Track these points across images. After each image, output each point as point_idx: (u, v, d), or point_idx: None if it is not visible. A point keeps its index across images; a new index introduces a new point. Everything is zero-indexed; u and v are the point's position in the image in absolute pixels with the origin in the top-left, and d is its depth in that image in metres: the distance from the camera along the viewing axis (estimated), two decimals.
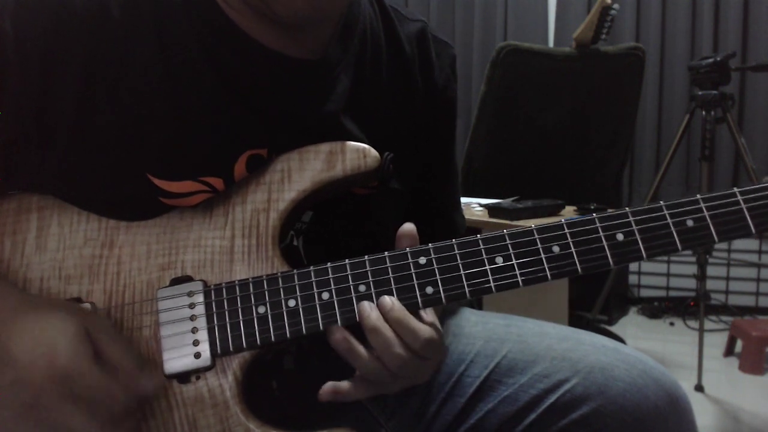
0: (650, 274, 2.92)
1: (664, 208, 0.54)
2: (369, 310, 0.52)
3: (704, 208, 0.53)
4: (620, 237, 0.53)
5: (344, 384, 0.56)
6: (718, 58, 1.96)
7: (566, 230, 0.54)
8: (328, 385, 0.55)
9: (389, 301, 0.52)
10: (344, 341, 0.52)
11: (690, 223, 0.53)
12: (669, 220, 0.53)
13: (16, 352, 0.46)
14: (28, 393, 0.45)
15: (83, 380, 0.46)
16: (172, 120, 0.54)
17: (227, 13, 0.56)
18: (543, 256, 0.53)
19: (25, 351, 0.46)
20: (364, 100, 0.63)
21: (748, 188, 0.53)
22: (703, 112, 1.98)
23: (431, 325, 0.54)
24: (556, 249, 0.53)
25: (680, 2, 2.74)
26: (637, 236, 0.53)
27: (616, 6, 1.97)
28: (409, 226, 0.55)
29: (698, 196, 0.54)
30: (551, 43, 2.96)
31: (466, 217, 1.48)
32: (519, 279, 0.53)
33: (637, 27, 2.82)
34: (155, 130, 0.54)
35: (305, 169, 0.57)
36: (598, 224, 0.54)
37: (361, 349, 0.53)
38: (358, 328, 0.53)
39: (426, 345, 0.53)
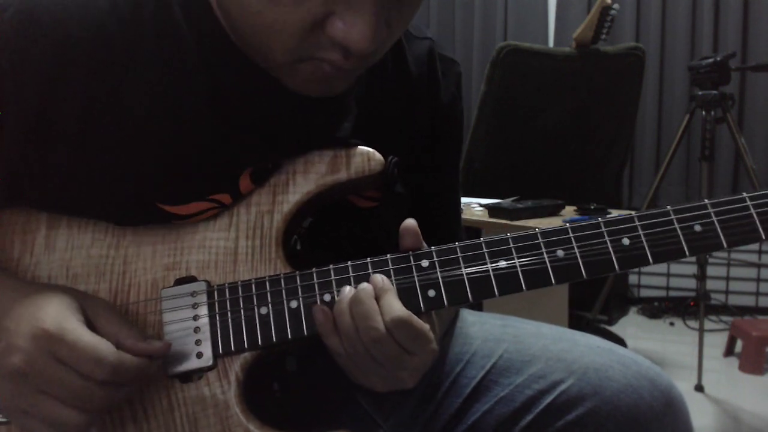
0: (650, 274, 2.92)
1: (671, 212, 0.53)
2: (349, 289, 0.52)
3: (712, 213, 0.52)
4: (626, 241, 0.52)
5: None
6: (718, 58, 1.96)
7: (571, 234, 0.53)
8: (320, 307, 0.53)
9: (380, 278, 0.52)
10: (321, 312, 0.52)
11: (698, 228, 0.52)
12: (676, 225, 0.52)
13: (6, 322, 0.48)
14: (19, 359, 0.46)
15: (67, 341, 0.46)
16: (175, 145, 0.54)
17: (232, 38, 0.54)
18: (547, 260, 0.53)
19: (15, 320, 0.47)
20: (369, 122, 0.62)
21: (757, 193, 0.52)
22: (703, 112, 1.98)
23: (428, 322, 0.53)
24: (560, 253, 0.53)
25: (680, 2, 2.74)
26: (644, 241, 0.52)
27: (616, 6, 1.97)
28: (410, 222, 0.54)
29: (706, 200, 0.53)
30: (551, 43, 2.97)
31: (466, 217, 1.50)
32: (522, 283, 0.53)
33: (637, 27, 2.82)
34: (159, 157, 0.54)
35: (310, 172, 0.57)
36: (603, 228, 0.53)
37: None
38: None
39: (398, 324, 0.50)
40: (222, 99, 0.55)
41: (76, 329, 0.47)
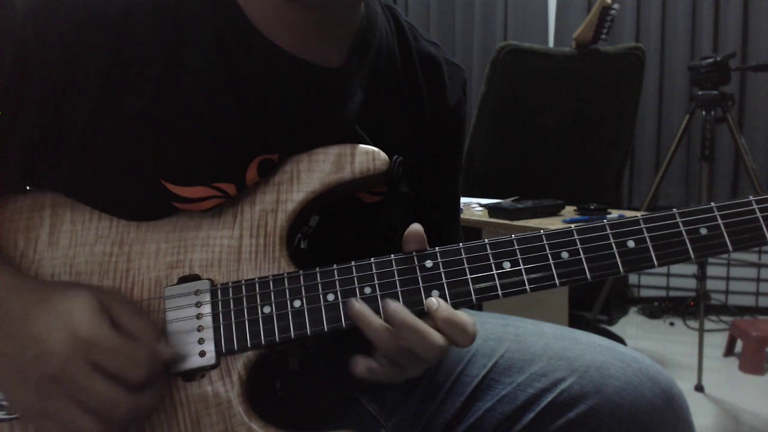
0: (650, 274, 2.92)
1: (677, 215, 0.53)
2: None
3: (718, 217, 0.52)
4: (631, 244, 0.52)
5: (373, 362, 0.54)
6: (718, 58, 1.96)
7: (576, 236, 0.53)
8: (361, 360, 0.53)
9: (435, 302, 0.52)
10: (360, 314, 0.51)
11: (703, 231, 0.52)
12: (682, 228, 0.52)
13: (35, 328, 0.48)
14: (53, 364, 0.47)
15: (105, 347, 0.48)
16: (185, 125, 0.55)
17: (250, 18, 0.56)
18: (552, 262, 0.53)
19: (45, 326, 0.48)
20: (375, 112, 0.63)
21: (763, 197, 0.53)
22: (703, 112, 1.99)
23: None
24: (565, 255, 0.53)
25: (680, 2, 2.74)
26: (649, 244, 0.52)
27: (616, 6, 1.97)
28: (416, 227, 0.55)
29: (712, 204, 0.53)
30: (551, 43, 2.97)
31: (466, 217, 1.50)
32: (527, 285, 0.53)
33: (637, 27, 2.82)
34: (169, 135, 0.55)
35: (314, 171, 0.58)
36: (608, 230, 0.53)
37: (378, 321, 0.51)
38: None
39: (473, 337, 0.52)
40: (235, 83, 0.56)
41: (110, 335, 0.48)
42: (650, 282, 2.94)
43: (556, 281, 0.53)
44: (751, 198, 0.53)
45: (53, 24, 0.52)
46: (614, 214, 1.50)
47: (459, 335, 0.52)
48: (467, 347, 0.53)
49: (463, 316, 0.52)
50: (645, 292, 2.95)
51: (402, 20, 0.69)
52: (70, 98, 0.53)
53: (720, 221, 0.52)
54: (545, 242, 0.53)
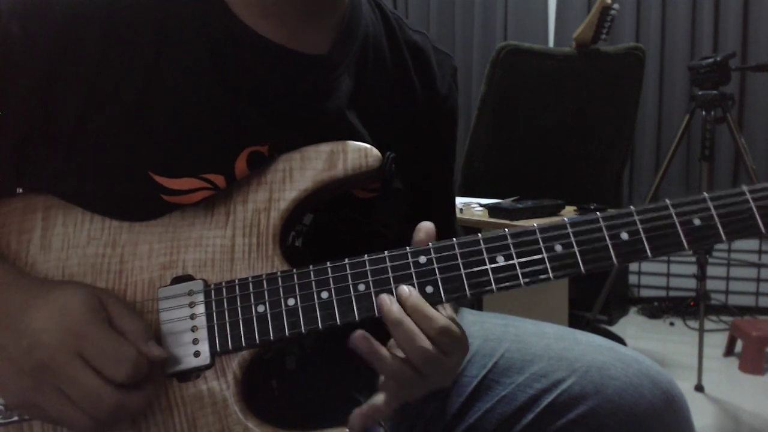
0: (650, 274, 2.92)
1: (670, 206, 0.53)
2: (390, 303, 0.51)
3: (712, 207, 0.52)
4: (625, 236, 0.52)
5: (376, 399, 0.54)
6: (718, 58, 1.96)
7: (569, 229, 0.53)
8: (361, 409, 0.53)
9: (407, 289, 0.52)
10: (365, 340, 0.51)
11: (697, 222, 0.52)
12: (675, 219, 0.52)
13: (32, 320, 0.49)
14: (44, 354, 0.47)
15: (93, 340, 0.48)
16: (173, 117, 0.55)
17: (233, 9, 0.57)
18: (545, 255, 0.52)
19: (42, 318, 0.49)
20: (365, 100, 0.63)
21: (757, 186, 0.52)
22: (703, 112, 1.98)
23: (449, 317, 0.53)
24: (558, 248, 0.52)
25: (680, 2, 2.74)
26: (642, 235, 0.52)
27: (616, 6, 1.97)
28: (429, 224, 0.55)
29: (705, 194, 0.52)
30: (551, 43, 2.97)
31: (466, 217, 1.49)
32: (521, 279, 0.52)
33: (637, 27, 2.82)
34: (157, 127, 0.55)
35: (306, 169, 0.57)
36: (602, 223, 0.53)
37: (383, 349, 0.51)
38: (370, 324, 0.53)
39: (442, 332, 0.51)
40: (221, 74, 0.56)
41: (101, 330, 0.49)
42: (650, 282, 2.94)
43: (550, 274, 0.52)
44: (744, 188, 0.52)
45: (39, 20, 0.52)
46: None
47: (426, 325, 0.51)
48: (442, 344, 0.51)
49: (432, 310, 0.51)
50: (645, 292, 2.95)
51: (387, 11, 0.69)
52: (58, 94, 0.53)
53: (713, 211, 0.52)
54: (538, 236, 0.53)
